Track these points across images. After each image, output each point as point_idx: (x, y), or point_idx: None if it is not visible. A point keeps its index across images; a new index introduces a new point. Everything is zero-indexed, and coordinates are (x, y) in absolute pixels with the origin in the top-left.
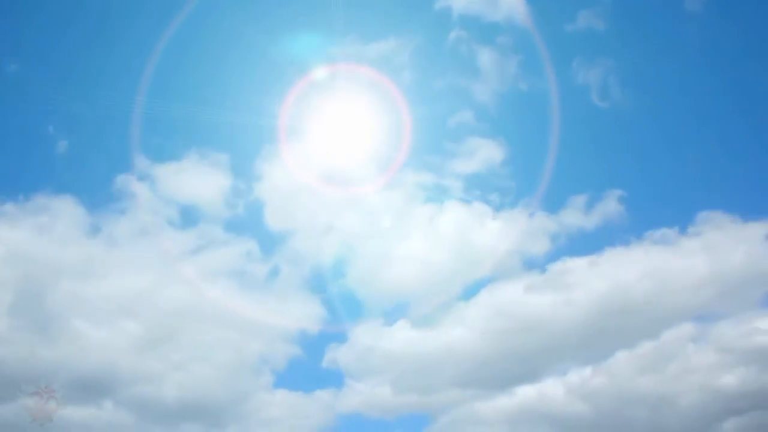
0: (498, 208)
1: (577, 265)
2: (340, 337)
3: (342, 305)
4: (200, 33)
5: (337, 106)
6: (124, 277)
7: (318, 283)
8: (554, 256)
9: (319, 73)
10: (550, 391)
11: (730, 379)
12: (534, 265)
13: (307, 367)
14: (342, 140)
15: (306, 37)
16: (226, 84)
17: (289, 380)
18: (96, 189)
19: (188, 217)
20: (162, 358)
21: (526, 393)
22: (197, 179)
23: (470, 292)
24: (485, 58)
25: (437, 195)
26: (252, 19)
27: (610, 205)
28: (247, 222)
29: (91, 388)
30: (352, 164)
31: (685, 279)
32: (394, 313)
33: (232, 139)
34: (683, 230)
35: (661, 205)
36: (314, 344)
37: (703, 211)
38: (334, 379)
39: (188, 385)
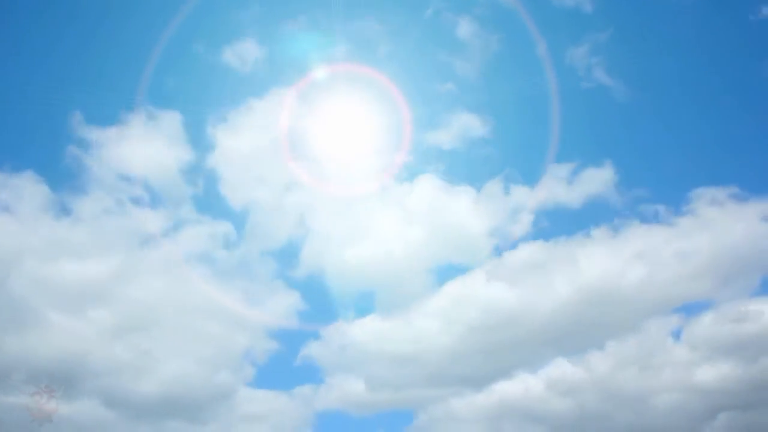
0: (477, 186)
1: (561, 248)
2: (314, 334)
3: (315, 298)
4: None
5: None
6: (91, 260)
7: (291, 273)
8: (535, 237)
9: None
10: (530, 386)
11: (720, 373)
12: (512, 248)
13: (284, 363)
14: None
15: None
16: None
17: (266, 377)
18: (51, 163)
19: (154, 195)
20: (134, 348)
21: (504, 389)
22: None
23: (443, 279)
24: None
25: (412, 174)
26: None
27: (597, 181)
28: (214, 202)
29: (58, 380)
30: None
31: (677, 264)
32: (365, 305)
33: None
34: (677, 209)
35: (653, 182)
36: (290, 338)
37: (698, 189)
38: (311, 374)
39: (161, 379)
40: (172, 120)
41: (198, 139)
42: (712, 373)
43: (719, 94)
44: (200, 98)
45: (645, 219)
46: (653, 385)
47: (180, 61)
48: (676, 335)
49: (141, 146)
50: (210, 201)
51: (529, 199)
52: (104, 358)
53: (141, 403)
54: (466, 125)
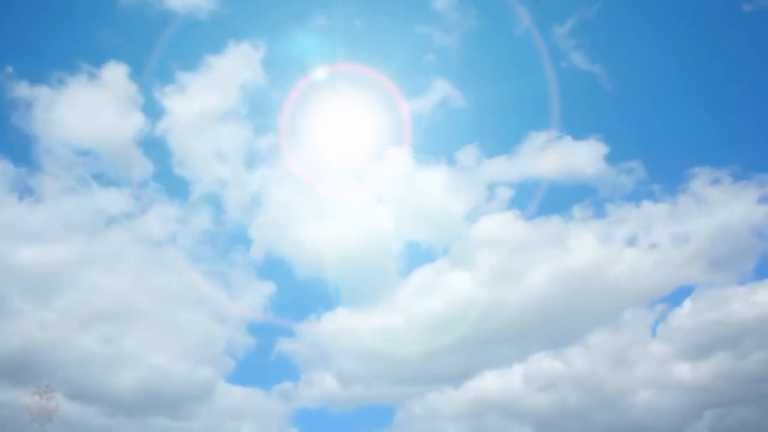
0: (451, 158)
1: (541, 229)
2: (288, 331)
3: (283, 286)
4: None
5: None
6: (52, 243)
7: (255, 259)
8: (513, 216)
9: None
10: (508, 382)
11: (707, 367)
12: (486, 229)
13: (258, 359)
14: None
15: None
16: None
17: (241, 373)
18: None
19: (113, 172)
20: (105, 340)
21: (482, 385)
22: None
23: (413, 261)
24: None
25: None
26: None
27: (583, 156)
28: (174, 180)
29: (23, 371)
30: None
31: (668, 248)
32: (333, 295)
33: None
34: (668, 190)
35: (645, 160)
36: (263, 331)
37: (694, 168)
38: (287, 371)
39: (136, 372)
40: (118, 79)
41: (151, 104)
42: (700, 368)
43: (717, 75)
44: (150, 55)
45: (635, 199)
46: (641, 379)
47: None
48: (661, 325)
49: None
50: (170, 179)
51: (506, 172)
52: (72, 349)
53: (115, 398)
54: (442, 94)
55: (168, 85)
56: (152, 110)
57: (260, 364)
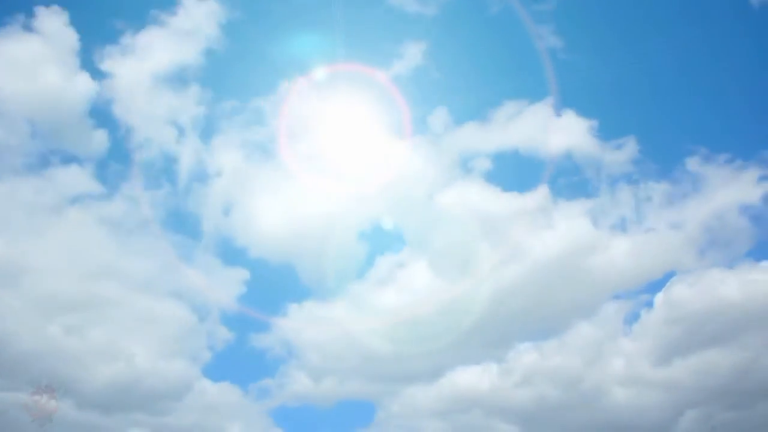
0: (421, 126)
1: (519, 205)
2: (262, 324)
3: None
4: None
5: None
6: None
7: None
8: (488, 192)
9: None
10: (484, 376)
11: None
12: (457, 207)
13: (234, 353)
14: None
15: None
16: None
17: (218, 367)
18: None
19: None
20: (70, 330)
21: (456, 380)
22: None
23: (378, 245)
24: None
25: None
26: None
27: (571, 131)
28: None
29: None
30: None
31: (659, 232)
32: (303, 290)
33: None
34: (662, 171)
35: (638, 139)
36: (238, 325)
37: (688, 149)
38: (262, 365)
39: (107, 365)
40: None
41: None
42: (688, 362)
43: (713, 56)
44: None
45: (624, 179)
46: (616, 376)
47: None
48: (644, 315)
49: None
50: (127, 154)
51: (481, 141)
52: (35, 340)
53: (84, 392)
54: (412, 55)
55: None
56: (98, 73)
57: (237, 359)
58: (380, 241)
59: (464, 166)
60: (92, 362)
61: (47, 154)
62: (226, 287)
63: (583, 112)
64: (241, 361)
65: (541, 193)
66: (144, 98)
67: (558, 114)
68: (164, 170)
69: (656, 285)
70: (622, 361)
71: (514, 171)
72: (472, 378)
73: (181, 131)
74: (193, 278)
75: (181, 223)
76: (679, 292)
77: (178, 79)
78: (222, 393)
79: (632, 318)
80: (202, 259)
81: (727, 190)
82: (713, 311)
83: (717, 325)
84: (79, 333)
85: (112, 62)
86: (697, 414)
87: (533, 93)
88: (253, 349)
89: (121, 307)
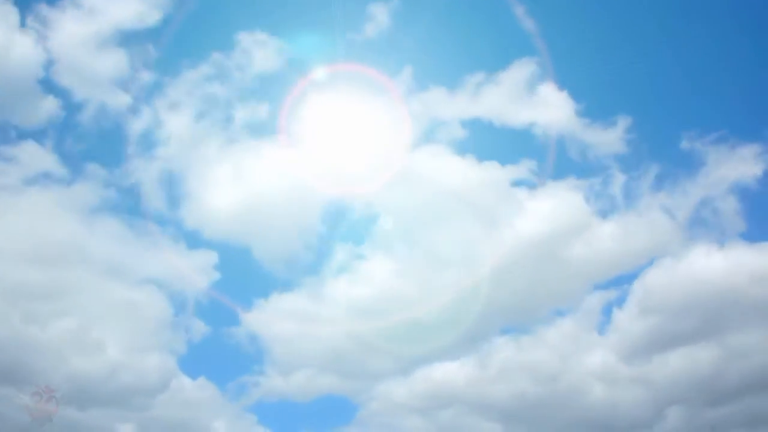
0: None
1: (493, 177)
2: (233, 316)
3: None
4: None
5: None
6: None
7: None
8: (458, 164)
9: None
10: (460, 370)
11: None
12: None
13: (208, 346)
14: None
15: None
16: None
17: (192, 360)
18: None
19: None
20: (33, 318)
21: (433, 374)
22: None
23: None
24: None
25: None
26: None
27: (551, 105)
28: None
29: None
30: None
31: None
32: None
33: None
34: (650, 152)
35: (627, 116)
36: (210, 316)
37: (679, 129)
38: (236, 360)
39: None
40: None
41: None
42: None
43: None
44: None
45: (610, 159)
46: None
47: None
48: (629, 303)
49: None
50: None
51: (450, 108)
52: None
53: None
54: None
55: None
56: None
57: (212, 353)
58: (344, 223)
59: (432, 132)
60: (53, 353)
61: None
62: (197, 273)
63: (569, 87)
64: (216, 355)
65: (519, 171)
66: (89, 60)
67: (537, 85)
68: (120, 141)
69: (642, 270)
70: (604, 355)
71: (490, 143)
72: (450, 373)
73: (133, 96)
74: (163, 263)
75: (141, 202)
76: (663, 279)
77: (129, 38)
78: (200, 388)
79: (617, 304)
80: (169, 243)
81: (719, 171)
82: (700, 298)
83: (702, 314)
84: (40, 322)
85: (55, 22)
86: (682, 409)
87: (507, 62)
88: (226, 343)
89: (88, 295)
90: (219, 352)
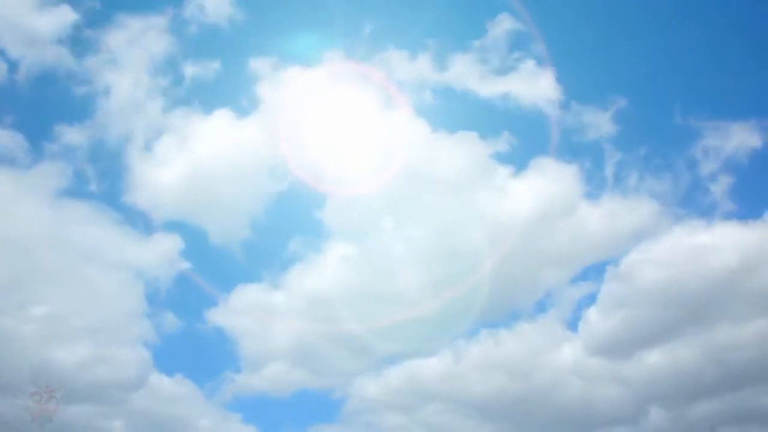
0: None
1: (468, 170)
2: (211, 301)
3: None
4: None
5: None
6: None
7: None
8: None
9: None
10: (437, 365)
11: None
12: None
13: (183, 339)
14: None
15: None
16: None
17: (167, 353)
18: None
19: None
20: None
21: (403, 372)
22: None
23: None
24: None
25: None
26: None
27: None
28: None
29: None
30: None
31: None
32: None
33: None
34: (636, 131)
35: (611, 97)
36: (184, 306)
37: (669, 107)
38: (215, 354)
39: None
40: None
41: None
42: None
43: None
44: None
45: (597, 137)
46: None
47: None
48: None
49: None
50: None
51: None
52: None
53: (7, 381)
54: None
55: None
56: None
57: (186, 346)
58: (304, 209)
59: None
60: (15, 345)
61: None
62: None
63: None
64: (190, 349)
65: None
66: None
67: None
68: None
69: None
70: (575, 351)
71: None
72: (427, 369)
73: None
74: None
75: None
76: (649, 264)
77: None
78: (177, 383)
79: (591, 300)
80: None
81: (710, 150)
82: (690, 283)
83: (687, 303)
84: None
85: None
86: (665, 405)
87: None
88: (198, 336)
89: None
90: (193, 346)
